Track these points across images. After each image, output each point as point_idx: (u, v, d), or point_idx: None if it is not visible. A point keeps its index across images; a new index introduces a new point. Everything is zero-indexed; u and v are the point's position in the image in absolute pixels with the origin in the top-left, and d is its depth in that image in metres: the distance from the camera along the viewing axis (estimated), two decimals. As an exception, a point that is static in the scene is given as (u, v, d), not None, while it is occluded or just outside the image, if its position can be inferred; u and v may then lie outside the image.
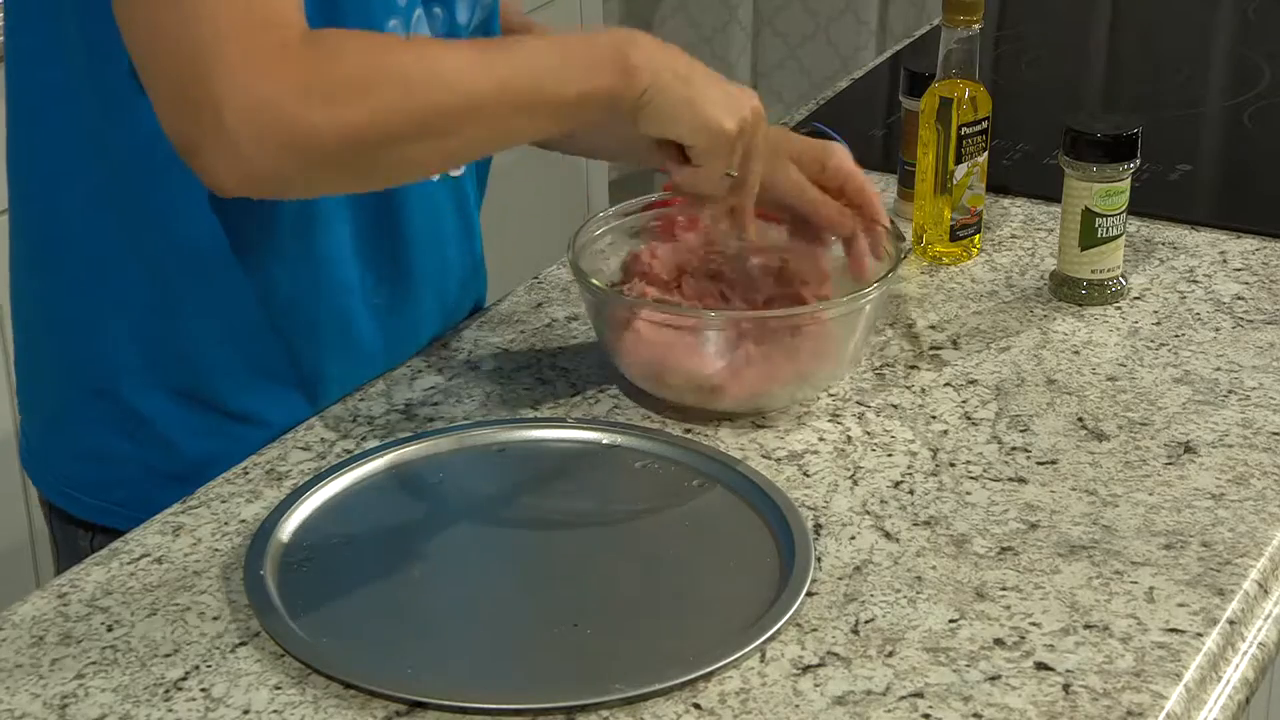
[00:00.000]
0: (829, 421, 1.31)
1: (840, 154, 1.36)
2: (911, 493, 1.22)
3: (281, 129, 1.07)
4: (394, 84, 1.11)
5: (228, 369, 1.29)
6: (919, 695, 1.03)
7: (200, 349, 1.28)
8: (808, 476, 1.24)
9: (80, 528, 1.34)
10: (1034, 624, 1.09)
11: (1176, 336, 1.42)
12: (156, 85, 1.11)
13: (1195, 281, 1.51)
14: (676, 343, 1.28)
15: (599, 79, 1.17)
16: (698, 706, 1.02)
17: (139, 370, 1.28)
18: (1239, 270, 1.53)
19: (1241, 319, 1.45)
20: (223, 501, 1.22)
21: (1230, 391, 1.34)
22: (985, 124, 1.53)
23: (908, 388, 1.35)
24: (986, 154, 1.54)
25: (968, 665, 1.05)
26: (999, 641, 1.07)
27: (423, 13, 1.28)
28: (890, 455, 1.27)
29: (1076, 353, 1.40)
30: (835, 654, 1.06)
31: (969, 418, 1.31)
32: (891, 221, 1.37)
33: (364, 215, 1.30)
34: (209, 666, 1.06)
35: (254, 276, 1.27)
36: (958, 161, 1.52)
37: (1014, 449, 1.27)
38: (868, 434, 1.29)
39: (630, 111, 1.19)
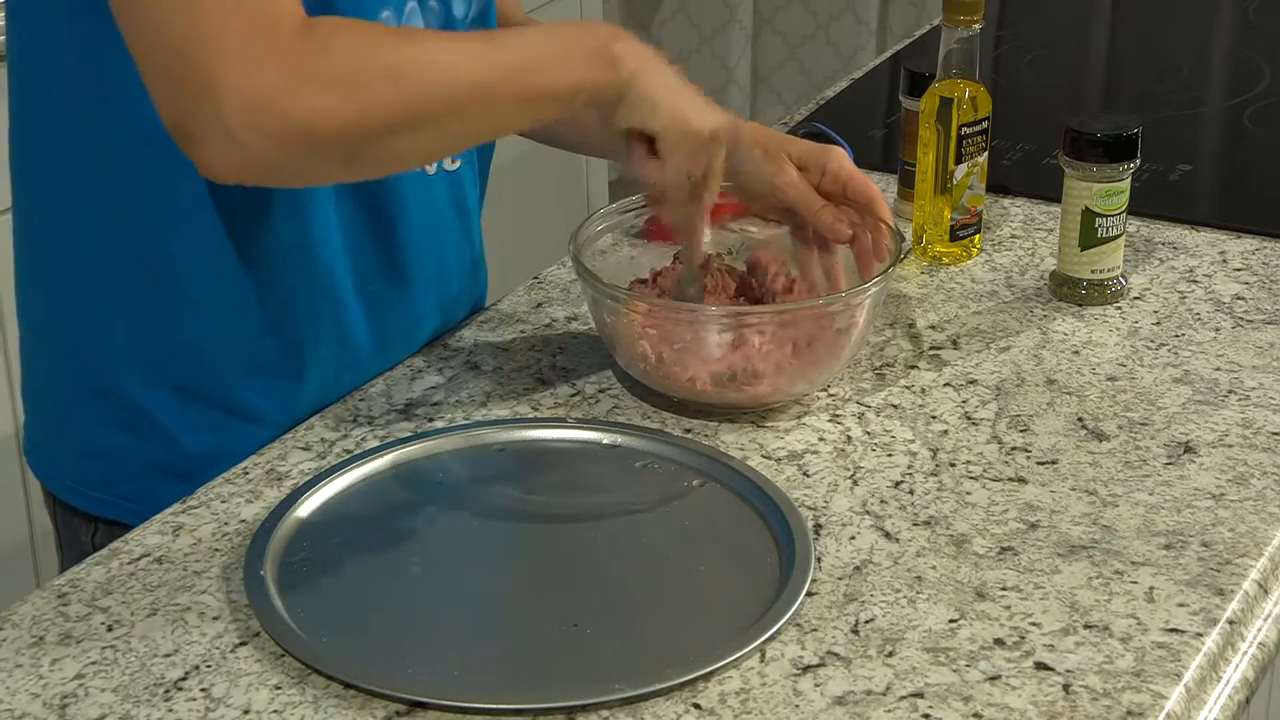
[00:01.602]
0: (829, 421, 1.31)
1: (839, 157, 1.36)
2: (911, 493, 1.22)
3: (276, 117, 1.08)
4: (387, 75, 1.12)
5: (226, 365, 1.29)
6: (919, 695, 1.03)
7: (198, 345, 1.28)
8: (808, 476, 1.24)
9: (83, 521, 1.34)
10: (1034, 624, 1.09)
11: (1176, 336, 1.42)
12: (153, 73, 1.12)
13: (1195, 281, 1.51)
14: (677, 339, 1.28)
15: (586, 70, 1.19)
16: (698, 706, 1.02)
17: (139, 367, 1.28)
18: (1239, 270, 1.53)
19: (1241, 319, 1.45)
20: (223, 501, 1.22)
21: (1230, 391, 1.34)
22: (985, 124, 1.53)
23: (908, 388, 1.35)
24: (986, 154, 1.54)
25: (968, 665, 1.05)
26: (999, 641, 1.07)
27: (416, 4, 1.28)
28: (890, 455, 1.27)
29: (1076, 353, 1.40)
30: (835, 654, 1.06)
31: (969, 418, 1.31)
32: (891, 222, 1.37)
33: (359, 210, 1.30)
34: (209, 666, 1.06)
35: (250, 272, 1.27)
36: (958, 161, 1.52)
37: (1014, 449, 1.27)
38: (868, 434, 1.29)
39: (612, 101, 1.20)
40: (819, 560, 1.15)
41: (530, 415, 1.32)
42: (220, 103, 1.07)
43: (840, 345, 1.31)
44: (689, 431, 1.29)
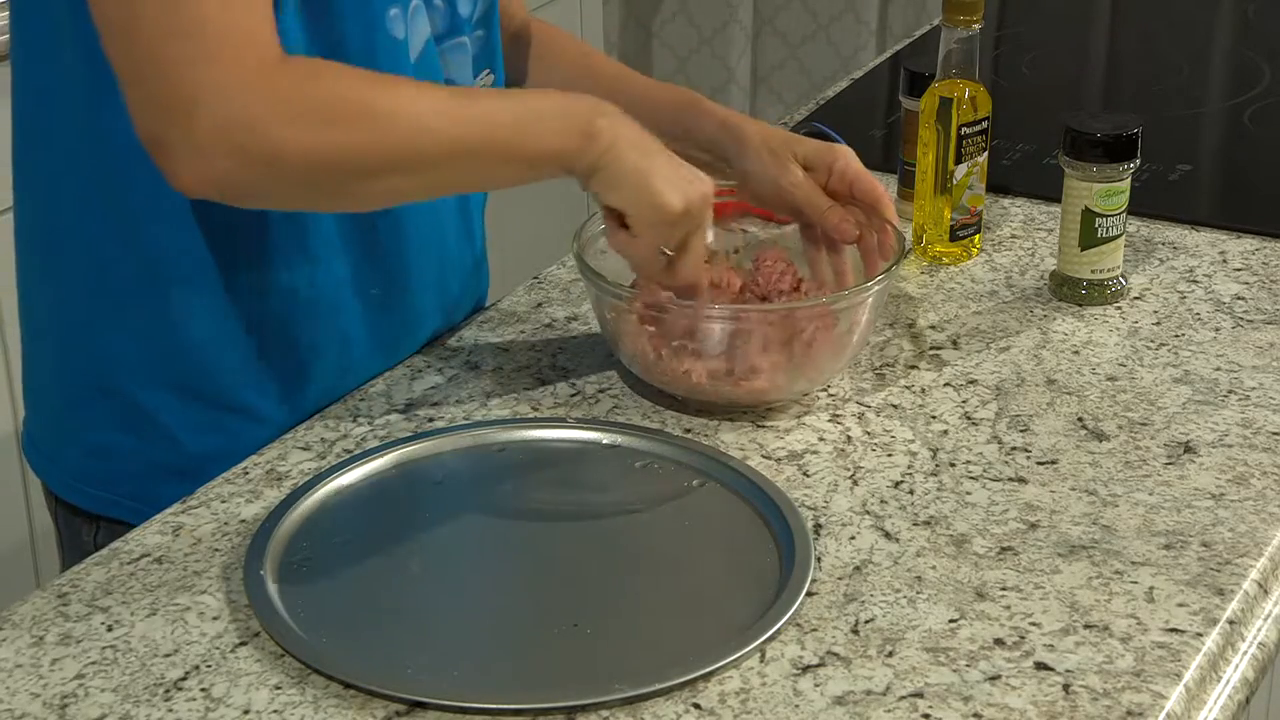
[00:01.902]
0: (829, 421, 1.31)
1: (846, 157, 1.36)
2: (911, 493, 1.22)
3: (249, 140, 1.10)
4: (362, 117, 1.14)
5: (227, 365, 1.29)
6: (919, 695, 1.03)
7: (199, 345, 1.28)
8: (808, 476, 1.24)
9: (85, 521, 1.34)
10: (1034, 624, 1.09)
11: (1176, 336, 1.42)
12: (130, 82, 1.13)
13: (1195, 281, 1.51)
14: (677, 336, 1.28)
15: (560, 139, 1.20)
16: (698, 706, 1.02)
17: (140, 366, 1.29)
18: (1239, 270, 1.53)
19: (1241, 319, 1.45)
20: (223, 501, 1.22)
21: (1230, 391, 1.34)
22: (985, 124, 1.53)
23: (908, 388, 1.35)
24: (986, 154, 1.54)
25: (968, 665, 1.05)
26: (999, 641, 1.07)
27: (421, 3, 1.28)
28: (890, 455, 1.27)
29: (1076, 353, 1.40)
30: (835, 654, 1.06)
31: (969, 418, 1.31)
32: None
33: (360, 213, 1.31)
34: (209, 666, 1.06)
35: (250, 272, 1.27)
36: (958, 161, 1.52)
37: (1014, 449, 1.27)
38: (868, 434, 1.29)
39: (584, 174, 1.21)
40: (819, 560, 1.15)
41: (530, 415, 1.32)
42: (194, 120, 1.09)
43: (841, 344, 1.31)
44: (689, 431, 1.29)
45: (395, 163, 1.16)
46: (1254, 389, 1.35)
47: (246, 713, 1.02)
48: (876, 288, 1.30)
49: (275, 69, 1.12)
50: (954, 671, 1.05)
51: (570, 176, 1.22)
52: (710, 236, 1.37)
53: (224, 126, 1.10)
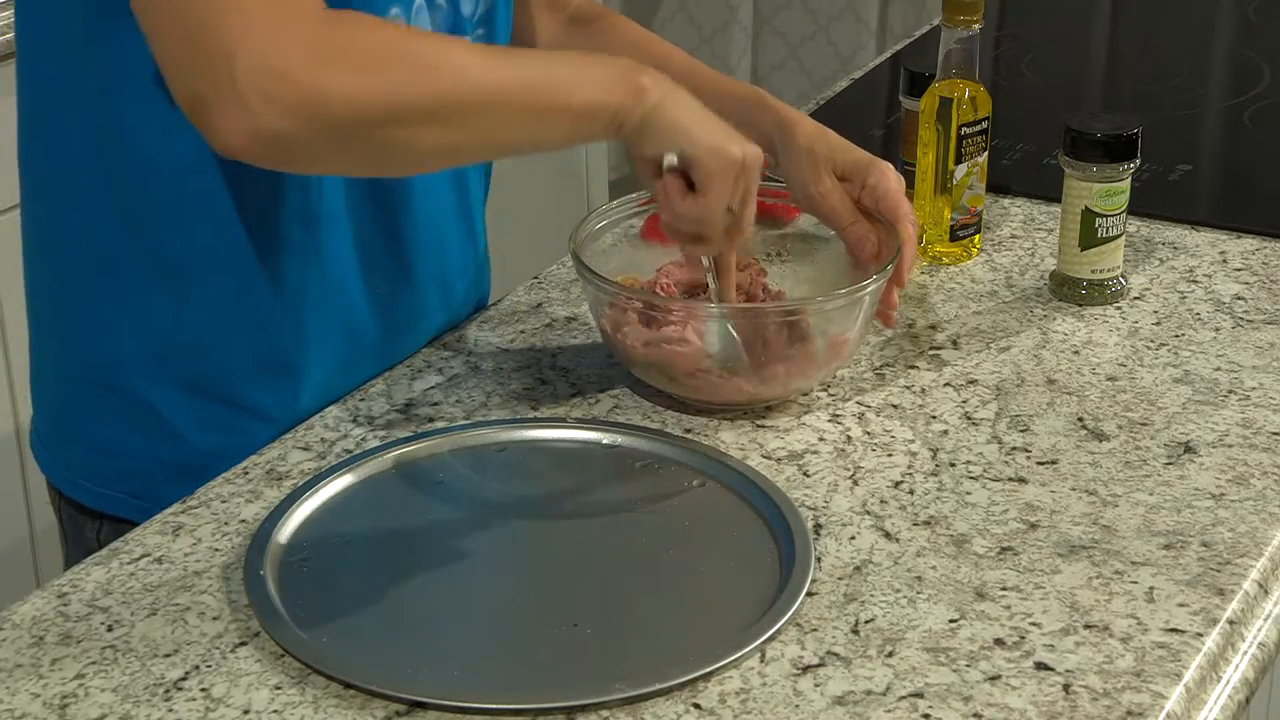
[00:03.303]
0: (829, 421, 1.31)
1: (881, 173, 1.35)
2: (911, 493, 1.22)
3: (293, 89, 1.08)
4: (409, 64, 1.12)
5: (234, 362, 1.29)
6: (919, 695, 1.03)
7: (206, 341, 1.28)
8: (808, 476, 1.24)
9: (89, 518, 1.35)
10: (1034, 624, 1.09)
11: (1176, 336, 1.42)
12: (169, 45, 1.11)
13: (1195, 281, 1.51)
14: (675, 335, 1.28)
15: (608, 93, 1.18)
16: (698, 706, 1.02)
17: (146, 363, 1.29)
18: (1239, 270, 1.53)
19: (1241, 319, 1.45)
20: (223, 501, 1.22)
21: (1230, 391, 1.34)
22: (985, 124, 1.53)
23: (908, 388, 1.35)
24: (986, 154, 1.54)
25: (968, 665, 1.05)
26: (999, 641, 1.07)
27: (424, 2, 1.28)
28: (890, 455, 1.27)
29: (1076, 353, 1.40)
30: (835, 654, 1.06)
31: (969, 418, 1.31)
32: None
33: (366, 210, 1.31)
34: (209, 666, 1.06)
35: (258, 270, 1.27)
36: (958, 161, 1.52)
37: (1014, 449, 1.27)
38: (868, 434, 1.29)
39: (634, 130, 1.19)
40: (819, 560, 1.15)
41: (530, 415, 1.32)
42: (233, 70, 1.07)
43: (840, 344, 1.31)
44: (689, 431, 1.29)
45: (438, 110, 1.13)
46: (1254, 389, 1.35)
47: (246, 713, 1.02)
48: (875, 284, 1.30)
49: (317, 19, 1.10)
50: (954, 671, 1.05)
51: (616, 136, 1.19)
52: None
53: (263, 73, 1.07)
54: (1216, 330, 1.43)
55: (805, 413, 1.32)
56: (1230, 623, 1.10)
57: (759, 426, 1.30)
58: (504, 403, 1.34)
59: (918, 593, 1.12)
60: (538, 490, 1.25)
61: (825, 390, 1.35)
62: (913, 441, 1.28)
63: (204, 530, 1.19)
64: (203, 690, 1.04)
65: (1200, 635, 1.08)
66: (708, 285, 1.32)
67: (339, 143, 1.13)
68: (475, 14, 1.34)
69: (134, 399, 1.30)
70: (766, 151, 1.38)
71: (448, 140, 1.16)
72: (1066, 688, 1.03)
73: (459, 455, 1.26)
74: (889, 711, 1.02)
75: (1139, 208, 1.55)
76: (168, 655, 1.07)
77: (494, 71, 1.15)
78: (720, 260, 1.29)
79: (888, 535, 1.18)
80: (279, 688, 1.04)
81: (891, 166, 1.36)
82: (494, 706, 1.02)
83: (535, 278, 1.54)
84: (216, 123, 1.09)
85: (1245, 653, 1.10)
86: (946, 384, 1.36)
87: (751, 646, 1.06)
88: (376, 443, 1.28)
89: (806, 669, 1.05)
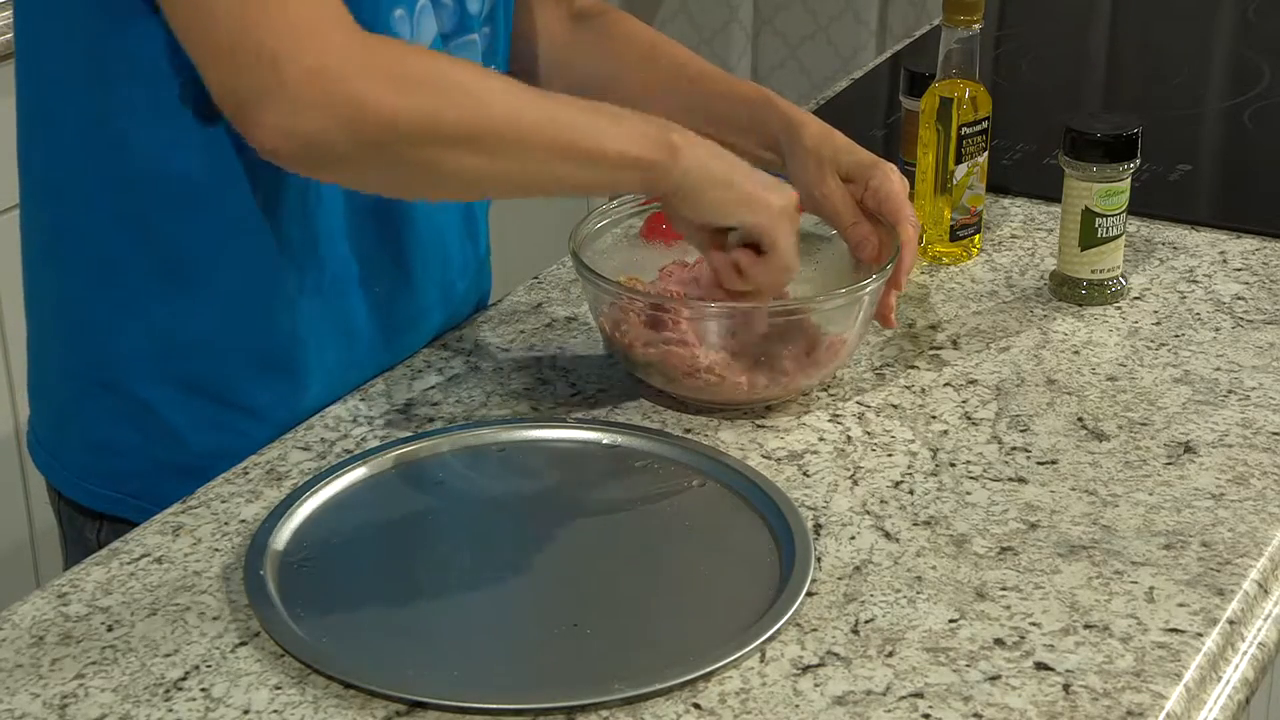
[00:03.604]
0: (829, 421, 1.31)
1: (885, 175, 1.35)
2: (911, 493, 1.22)
3: (339, 93, 1.09)
4: (455, 89, 1.14)
5: (233, 362, 1.29)
6: (919, 695, 1.03)
7: (206, 342, 1.28)
8: (808, 476, 1.24)
9: (89, 519, 1.35)
10: (1034, 624, 1.09)
11: (1176, 336, 1.42)
12: (210, 49, 1.12)
13: (1195, 281, 1.51)
14: (674, 334, 1.28)
15: (641, 146, 1.19)
16: (698, 706, 1.02)
17: (146, 363, 1.29)
18: (1239, 270, 1.53)
19: (1241, 319, 1.45)
20: (223, 501, 1.22)
21: (1230, 391, 1.34)
22: (985, 124, 1.53)
23: (908, 388, 1.35)
24: (986, 154, 1.54)
25: (968, 665, 1.05)
26: (999, 641, 1.07)
27: (429, 2, 1.28)
28: (890, 455, 1.27)
29: (1076, 353, 1.40)
30: (835, 654, 1.06)
31: (969, 418, 1.31)
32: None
33: (366, 212, 1.31)
34: (209, 666, 1.06)
35: (258, 271, 1.27)
36: (958, 161, 1.52)
37: (1014, 449, 1.27)
38: (868, 434, 1.29)
39: (670, 189, 1.20)
40: (819, 560, 1.15)
41: (530, 415, 1.32)
42: (282, 71, 1.08)
43: (839, 343, 1.31)
44: (689, 431, 1.29)
45: (476, 136, 1.14)
46: (1254, 389, 1.35)
47: (246, 713, 1.02)
48: (874, 284, 1.30)
49: (362, 38, 1.12)
50: (954, 671, 1.05)
51: (648, 192, 1.21)
52: None
53: (314, 73, 1.08)
54: (1216, 330, 1.43)
55: (805, 413, 1.32)
56: (1230, 623, 1.10)
57: (759, 426, 1.30)
58: (504, 403, 1.34)
59: (918, 593, 1.12)
60: (538, 490, 1.25)
61: (825, 390, 1.35)
62: (913, 441, 1.28)
63: (204, 530, 1.19)
64: (203, 690, 1.04)
65: (1200, 635, 1.08)
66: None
67: (374, 154, 1.13)
68: (481, 12, 1.35)
69: (133, 399, 1.30)
70: (772, 152, 1.38)
71: (481, 168, 1.16)
72: (1066, 688, 1.03)
73: (459, 455, 1.26)
74: (889, 711, 1.02)
75: (1139, 208, 1.55)
76: (168, 655, 1.07)
77: (534, 108, 1.16)
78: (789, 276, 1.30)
79: (888, 535, 1.18)
80: (279, 688, 1.04)
81: (895, 168, 1.36)
82: (494, 706, 1.02)
83: (535, 278, 1.54)
84: (259, 119, 1.10)
85: (1245, 653, 1.10)
86: (946, 384, 1.36)
87: (751, 646, 1.06)
88: (376, 443, 1.28)
89: (806, 669, 1.05)
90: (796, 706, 1.02)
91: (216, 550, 1.17)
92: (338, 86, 1.09)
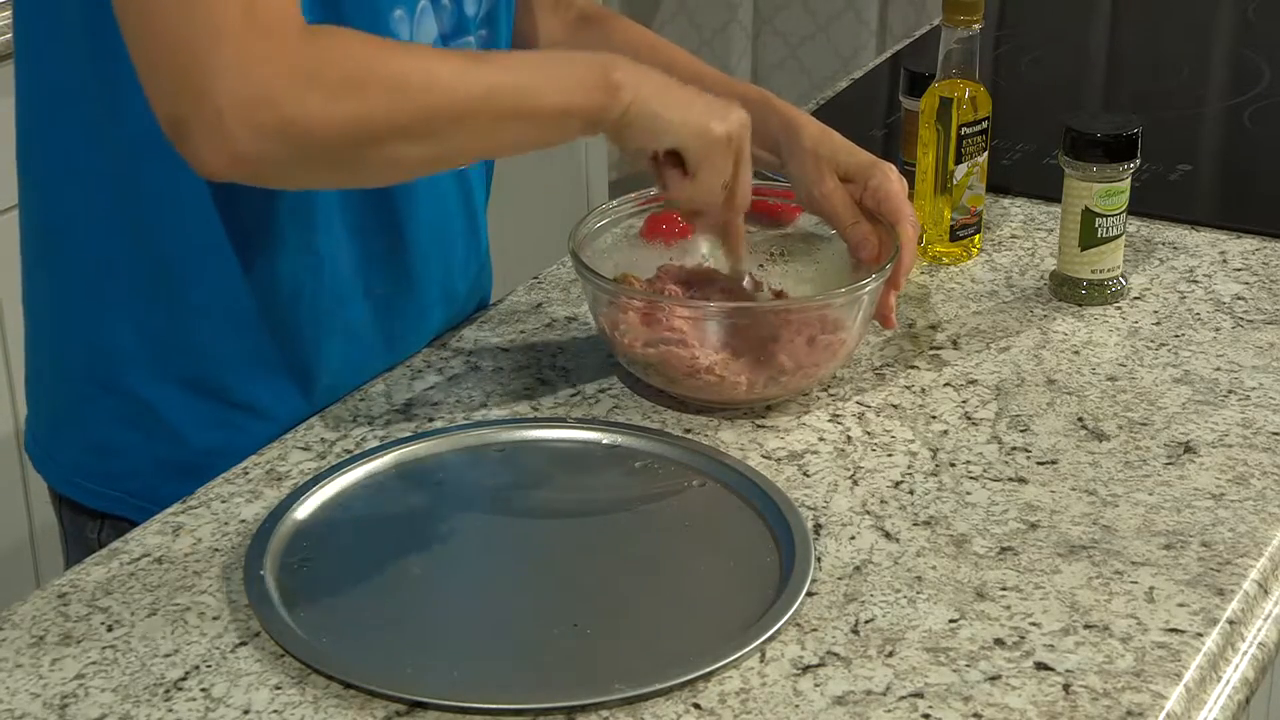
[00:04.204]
0: (829, 421, 1.31)
1: (884, 175, 1.35)
2: (911, 493, 1.22)
3: (272, 113, 1.08)
4: (388, 84, 1.12)
5: (233, 360, 1.29)
6: (919, 695, 1.03)
7: (205, 340, 1.28)
8: (808, 476, 1.24)
9: (89, 518, 1.35)
10: (1034, 624, 1.09)
11: (1176, 336, 1.42)
12: (149, 65, 1.11)
13: (1195, 281, 1.51)
14: (673, 334, 1.28)
15: (583, 94, 1.18)
16: (698, 706, 1.02)
17: (145, 361, 1.29)
18: (1239, 270, 1.53)
19: (1241, 319, 1.45)
20: (223, 501, 1.22)
21: (1230, 391, 1.34)
22: (985, 124, 1.53)
23: (908, 388, 1.35)
24: (986, 154, 1.54)
25: (968, 665, 1.05)
26: (999, 641, 1.07)
27: (428, 3, 1.28)
28: (890, 455, 1.27)
29: (1076, 353, 1.40)
30: (835, 654, 1.06)
31: (969, 418, 1.31)
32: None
33: (367, 211, 1.31)
34: (209, 666, 1.06)
35: (257, 268, 1.27)
36: (958, 161, 1.52)
37: (1014, 449, 1.27)
38: (868, 434, 1.29)
39: (614, 128, 1.20)
40: (819, 560, 1.15)
41: (530, 415, 1.32)
42: (217, 96, 1.07)
43: (838, 343, 1.31)
44: (689, 431, 1.29)
45: (415, 127, 1.14)
46: (1254, 389, 1.35)
47: (246, 713, 1.02)
48: (873, 284, 1.30)
49: (292, 40, 1.10)
50: (954, 671, 1.05)
51: (594, 134, 1.20)
52: (705, 247, 1.38)
53: (242, 102, 1.08)
54: (1216, 330, 1.43)
55: (805, 413, 1.32)
56: (1230, 623, 1.10)
57: (759, 426, 1.30)
58: (504, 403, 1.34)
59: (918, 593, 1.12)
60: (538, 490, 1.25)
61: (825, 390, 1.35)
62: (913, 441, 1.28)
63: (204, 530, 1.19)
64: (203, 690, 1.04)
65: (1200, 635, 1.08)
66: (710, 266, 1.33)
67: (320, 163, 1.14)
68: (479, 14, 1.35)
69: (132, 398, 1.30)
70: (771, 153, 1.38)
71: (428, 153, 1.17)
72: (1066, 688, 1.03)
73: (459, 455, 1.26)
74: (889, 711, 1.02)
75: (1139, 208, 1.55)
76: (168, 655, 1.07)
77: (471, 83, 1.16)
78: (728, 227, 1.30)
79: (888, 535, 1.18)
80: (279, 688, 1.04)
81: (895, 169, 1.36)
82: (494, 706, 1.02)
83: (535, 278, 1.54)
84: (196, 148, 1.10)
85: (1245, 653, 1.10)
86: (946, 384, 1.36)
87: (751, 646, 1.06)
88: (376, 443, 1.28)
89: (806, 669, 1.05)
90: (796, 706, 1.02)
91: (216, 550, 1.17)
92: (273, 107, 1.08)
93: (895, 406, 1.33)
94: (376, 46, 1.15)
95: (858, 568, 1.14)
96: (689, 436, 1.29)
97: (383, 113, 1.12)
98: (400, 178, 1.26)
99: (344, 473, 1.22)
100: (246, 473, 1.25)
